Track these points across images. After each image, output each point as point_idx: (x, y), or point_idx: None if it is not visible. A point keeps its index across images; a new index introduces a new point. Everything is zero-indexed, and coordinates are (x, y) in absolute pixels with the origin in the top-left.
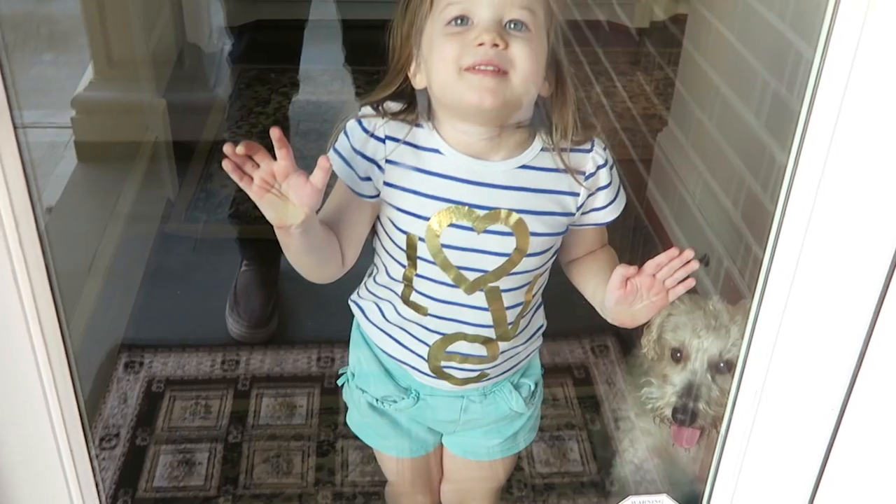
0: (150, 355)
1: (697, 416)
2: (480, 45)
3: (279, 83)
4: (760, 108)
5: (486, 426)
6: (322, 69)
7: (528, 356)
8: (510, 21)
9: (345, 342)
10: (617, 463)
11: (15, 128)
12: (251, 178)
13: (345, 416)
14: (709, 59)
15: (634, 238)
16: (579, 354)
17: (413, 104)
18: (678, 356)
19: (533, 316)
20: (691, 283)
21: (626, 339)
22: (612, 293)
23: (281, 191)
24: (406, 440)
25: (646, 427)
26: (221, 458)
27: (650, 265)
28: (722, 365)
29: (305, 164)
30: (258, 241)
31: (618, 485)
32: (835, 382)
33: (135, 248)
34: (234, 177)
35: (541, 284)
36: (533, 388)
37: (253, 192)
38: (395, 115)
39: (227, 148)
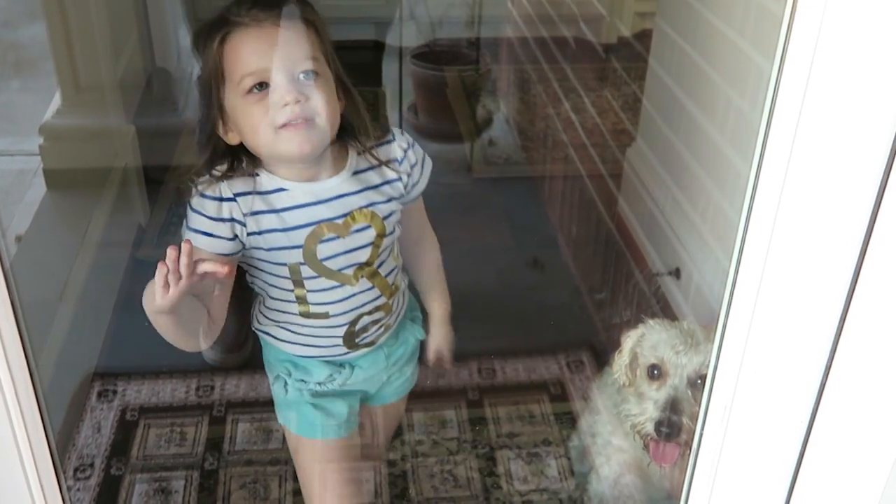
0: (124, 383)
1: (681, 430)
2: (286, 105)
3: None
4: (724, 123)
5: (400, 365)
6: None
7: (405, 293)
8: (301, 73)
9: None
10: (593, 479)
11: None
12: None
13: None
14: (673, 76)
15: (606, 252)
16: (555, 370)
17: (236, 160)
18: (655, 373)
19: (400, 268)
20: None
21: (602, 354)
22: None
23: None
24: (345, 418)
25: (619, 444)
26: (198, 486)
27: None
28: (699, 382)
29: None
30: None
31: (595, 500)
32: (803, 393)
33: (106, 275)
34: (161, 276)
35: (398, 247)
36: (421, 316)
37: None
38: (228, 175)
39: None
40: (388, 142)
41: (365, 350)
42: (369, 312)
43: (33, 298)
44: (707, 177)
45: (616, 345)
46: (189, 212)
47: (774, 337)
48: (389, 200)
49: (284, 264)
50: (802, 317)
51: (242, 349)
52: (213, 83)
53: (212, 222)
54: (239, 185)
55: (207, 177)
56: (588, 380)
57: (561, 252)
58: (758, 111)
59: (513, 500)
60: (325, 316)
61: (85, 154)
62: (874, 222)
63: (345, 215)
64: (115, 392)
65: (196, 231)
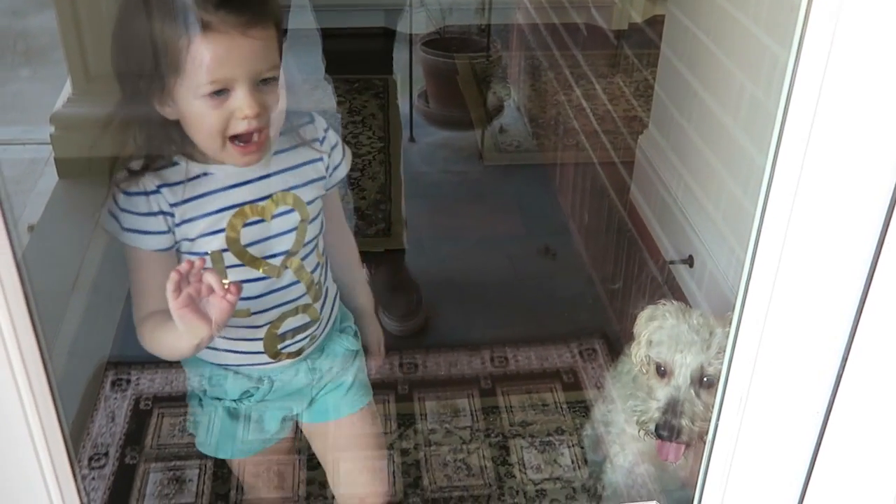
0: (137, 372)
1: (681, 433)
2: (245, 118)
3: None
4: (738, 110)
5: (334, 380)
6: (304, 79)
7: (335, 301)
8: (262, 80)
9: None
10: (608, 468)
11: None
12: (183, 293)
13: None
14: (686, 63)
15: (619, 240)
16: (567, 359)
17: (164, 141)
18: (662, 371)
19: (326, 271)
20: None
21: (614, 342)
22: None
23: (204, 309)
24: (265, 433)
25: (634, 433)
26: (212, 475)
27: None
28: (706, 380)
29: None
30: None
31: (610, 489)
32: (819, 385)
33: (119, 263)
34: (172, 295)
35: (322, 245)
36: (354, 328)
37: (177, 305)
38: (149, 169)
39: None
40: (308, 122)
41: (287, 361)
42: (293, 313)
43: (46, 288)
44: (720, 164)
45: (628, 333)
46: (118, 213)
47: (790, 329)
48: (312, 182)
49: (207, 253)
50: (819, 307)
51: None
52: (167, 64)
53: (144, 218)
54: (160, 177)
55: (129, 172)
56: (601, 368)
57: (573, 240)
58: (772, 98)
59: (526, 489)
60: (246, 313)
61: (95, 142)
62: (892, 211)
63: (267, 197)
64: (128, 381)
65: (130, 230)
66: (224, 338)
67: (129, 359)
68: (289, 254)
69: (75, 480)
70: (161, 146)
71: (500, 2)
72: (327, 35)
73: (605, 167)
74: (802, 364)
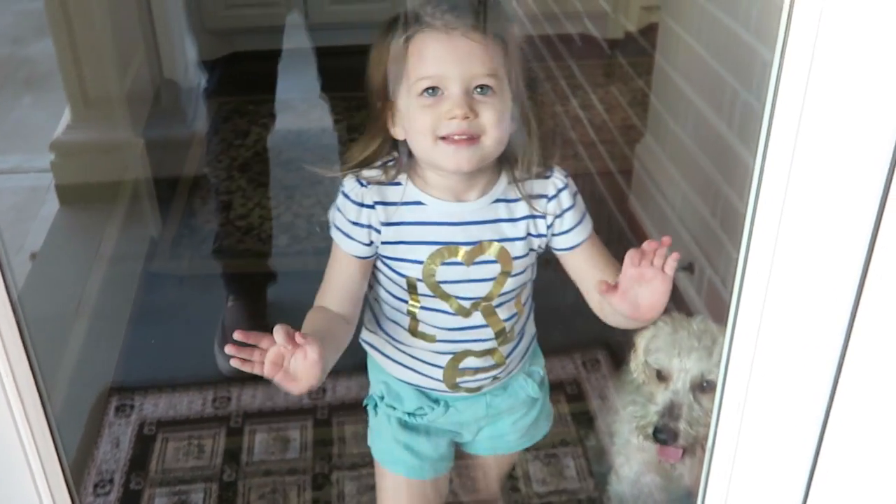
0: (141, 397)
1: (679, 436)
2: (453, 118)
3: (258, 115)
4: (732, 117)
5: (508, 419)
6: (300, 98)
7: (529, 347)
8: (477, 87)
9: (334, 374)
10: (613, 479)
11: None
12: (260, 364)
13: (338, 447)
14: (680, 71)
15: (619, 249)
16: (571, 370)
17: (391, 160)
18: (662, 377)
19: (526, 319)
20: (677, 255)
21: (617, 352)
22: (613, 302)
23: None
24: (431, 459)
25: (639, 443)
26: (217, 498)
27: (626, 260)
28: (705, 385)
29: (287, 193)
30: (244, 275)
31: (615, 501)
32: (817, 387)
33: (120, 288)
34: (245, 369)
35: (528, 294)
36: (542, 373)
37: (266, 374)
38: (374, 181)
39: (228, 349)
40: (545, 176)
41: (463, 393)
42: (478, 354)
43: (49, 314)
44: (716, 171)
45: (631, 343)
46: (334, 210)
47: (786, 331)
48: (526, 237)
49: (405, 276)
50: (813, 309)
51: None
52: (392, 77)
53: (351, 225)
54: (380, 194)
55: (356, 180)
56: (604, 378)
57: None
58: (764, 103)
59: (531, 503)
60: (432, 339)
61: (96, 168)
62: (882, 212)
63: (474, 243)
64: (132, 406)
65: (338, 229)
66: (409, 356)
67: (132, 384)
68: (482, 299)
69: None
70: (388, 165)
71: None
72: (322, 53)
73: (604, 177)
74: (799, 367)
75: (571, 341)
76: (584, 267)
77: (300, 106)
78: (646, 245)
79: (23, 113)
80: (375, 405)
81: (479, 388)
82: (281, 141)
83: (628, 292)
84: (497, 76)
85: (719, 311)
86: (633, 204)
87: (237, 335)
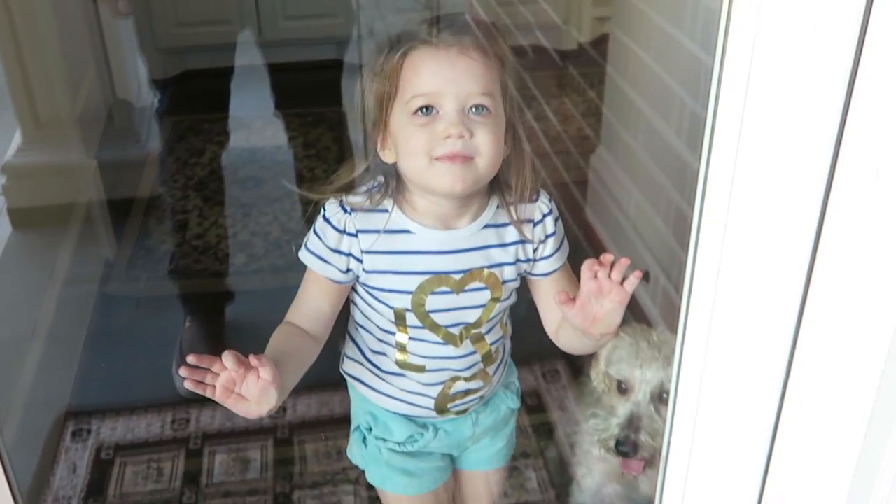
0: (98, 421)
1: (640, 448)
2: (448, 136)
3: (212, 133)
4: (680, 126)
5: (490, 434)
6: (254, 115)
7: (507, 360)
8: (473, 106)
9: (294, 392)
10: (575, 490)
11: None
12: (213, 387)
13: (299, 466)
14: (630, 81)
15: (575, 262)
16: (530, 381)
17: (376, 185)
18: (623, 388)
19: (506, 337)
20: (639, 274)
21: (576, 362)
22: (569, 315)
23: (241, 392)
24: (428, 474)
25: (599, 454)
26: None
27: (584, 272)
28: (665, 396)
29: (243, 211)
30: (201, 295)
31: None
32: (767, 391)
33: (75, 311)
34: (198, 391)
35: (507, 316)
36: (517, 384)
37: (218, 398)
38: (358, 207)
39: (182, 371)
40: (532, 200)
41: (453, 416)
42: (467, 378)
43: (2, 339)
44: (667, 179)
45: (591, 354)
46: (311, 233)
47: (734, 337)
48: (515, 262)
49: (392, 307)
50: (760, 314)
51: None
52: (384, 96)
53: (329, 251)
54: (365, 221)
55: (340, 206)
56: (564, 389)
57: None
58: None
59: None
60: (421, 370)
61: (48, 191)
62: (824, 213)
63: (465, 271)
64: (89, 431)
65: (312, 253)
66: (397, 388)
67: (89, 408)
68: (471, 326)
69: None
70: (376, 189)
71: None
72: (276, 70)
73: (560, 188)
74: (749, 372)
75: (531, 352)
76: (551, 294)
77: (255, 123)
78: (602, 257)
79: None
80: (364, 438)
81: (466, 410)
82: (236, 159)
83: (586, 306)
84: (493, 96)
85: (674, 319)
86: (588, 215)
87: (190, 358)
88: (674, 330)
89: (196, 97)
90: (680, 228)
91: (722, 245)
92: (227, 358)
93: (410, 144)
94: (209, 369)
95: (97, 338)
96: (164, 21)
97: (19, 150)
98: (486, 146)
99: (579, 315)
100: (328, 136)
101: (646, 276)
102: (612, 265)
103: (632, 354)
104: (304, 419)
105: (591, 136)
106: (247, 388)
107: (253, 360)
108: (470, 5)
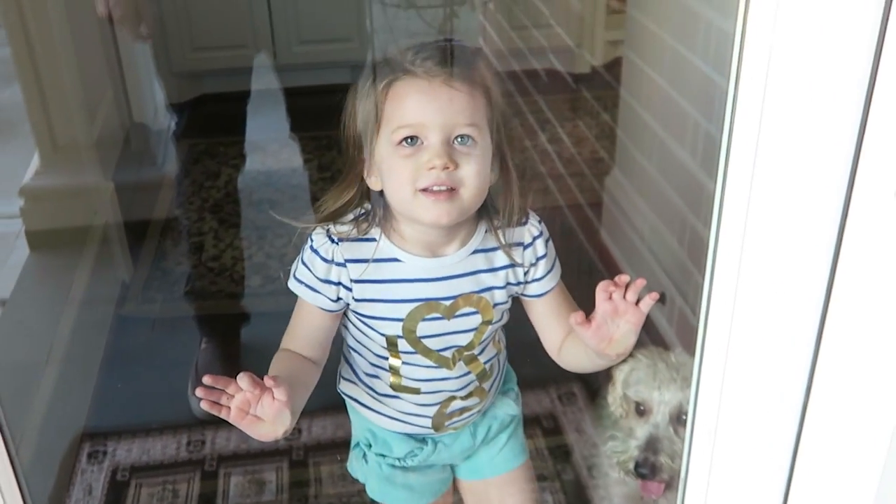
0: (114, 443)
1: (660, 470)
2: (433, 168)
3: (228, 156)
4: (695, 148)
5: (494, 441)
6: (270, 138)
7: (502, 372)
8: (457, 136)
9: (309, 414)
10: None
11: None
12: (228, 409)
13: (315, 488)
14: (643, 104)
15: (591, 283)
16: (546, 404)
17: (363, 213)
18: (641, 410)
19: (500, 353)
20: (655, 295)
21: (593, 384)
22: (586, 338)
23: (256, 413)
24: (429, 486)
25: (617, 476)
26: None
27: (599, 293)
28: (684, 417)
29: (259, 233)
30: (216, 317)
31: None
32: (787, 410)
33: (92, 333)
34: (213, 412)
35: (500, 334)
36: (516, 389)
37: (233, 420)
38: (345, 237)
39: (198, 392)
40: (521, 224)
41: (451, 431)
42: (463, 397)
43: (20, 361)
44: (681, 201)
45: (608, 376)
46: (299, 263)
47: (753, 356)
48: (506, 286)
49: (384, 335)
50: (778, 333)
51: None
52: (369, 124)
53: (318, 281)
54: (353, 250)
55: (327, 235)
56: (581, 412)
57: None
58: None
59: None
60: (416, 392)
61: (65, 213)
62: (842, 236)
63: (454, 297)
64: (104, 452)
65: (301, 283)
66: (393, 409)
67: (104, 429)
68: (463, 348)
69: None
70: (363, 217)
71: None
72: (291, 94)
73: (574, 210)
74: (768, 391)
75: (546, 375)
76: (547, 313)
77: (270, 146)
78: (618, 278)
79: None
80: (364, 454)
81: (465, 424)
82: (251, 181)
83: (602, 327)
84: (478, 126)
85: (691, 340)
86: (604, 236)
87: (206, 379)
88: (691, 352)
89: (212, 121)
90: (695, 250)
91: (739, 266)
92: (243, 379)
93: (395, 174)
94: (224, 390)
95: (113, 359)
96: (179, 46)
97: (37, 174)
98: (470, 177)
99: (595, 336)
100: (343, 158)
101: (662, 299)
102: (628, 286)
103: (650, 376)
104: (320, 441)
105: (606, 159)
106: (262, 410)
107: (268, 381)
108: (482, 30)
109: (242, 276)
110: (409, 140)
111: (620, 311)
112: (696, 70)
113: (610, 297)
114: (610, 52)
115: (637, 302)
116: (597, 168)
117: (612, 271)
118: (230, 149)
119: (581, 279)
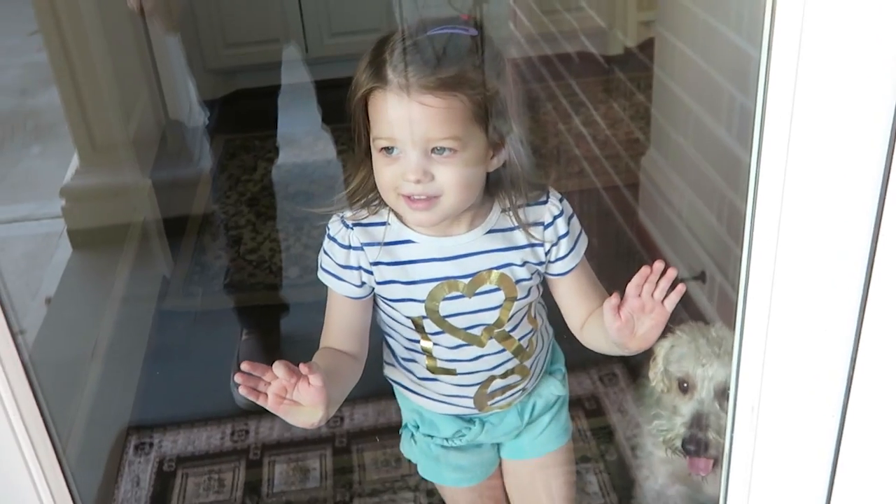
0: (160, 434)
1: (709, 446)
2: (408, 181)
3: (263, 150)
4: (730, 122)
5: (540, 420)
6: (303, 131)
7: (549, 349)
8: (435, 148)
9: (351, 401)
10: (638, 492)
11: None
12: (266, 395)
13: (358, 475)
14: (678, 81)
15: (630, 262)
16: (588, 386)
17: (374, 199)
18: (685, 387)
19: (541, 329)
20: (682, 288)
21: (634, 366)
22: (612, 329)
23: (293, 398)
24: (479, 466)
25: (662, 455)
26: None
27: (630, 289)
28: (728, 392)
29: (295, 225)
30: (256, 308)
31: None
32: (831, 384)
33: (135, 328)
34: (251, 398)
35: (537, 308)
36: (564, 370)
37: (270, 406)
38: (358, 221)
39: (236, 377)
40: (540, 203)
41: (497, 410)
42: (502, 375)
43: (65, 357)
44: (720, 178)
45: (648, 354)
46: (322, 253)
47: (794, 331)
48: (525, 264)
49: (408, 316)
50: (820, 306)
51: None
52: (359, 128)
53: (340, 268)
54: (367, 235)
55: (341, 222)
56: (622, 392)
57: None
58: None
59: None
60: (453, 373)
61: (106, 212)
62: (883, 204)
63: (472, 275)
64: (151, 444)
65: (326, 272)
66: (434, 391)
67: (150, 422)
68: (492, 326)
69: None
70: (371, 201)
71: (491, 37)
72: (322, 86)
73: (611, 191)
74: (811, 365)
75: (587, 357)
76: (570, 292)
77: (304, 139)
78: (644, 269)
79: (32, 162)
80: (412, 435)
81: (510, 403)
82: (286, 174)
83: (629, 321)
84: (457, 136)
85: (731, 316)
86: (641, 216)
87: (244, 366)
88: (731, 327)
89: (245, 115)
90: (734, 225)
91: (777, 238)
92: (279, 367)
93: (380, 176)
94: (261, 378)
95: (156, 353)
96: (212, 42)
97: (77, 174)
98: (450, 185)
99: (623, 330)
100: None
101: (702, 276)
102: (662, 273)
103: (692, 352)
104: (362, 428)
105: (641, 139)
106: (298, 395)
107: (303, 367)
108: (512, 15)
109: (280, 268)
110: (388, 150)
111: (647, 308)
112: (730, 43)
113: (639, 295)
114: (643, 32)
115: (663, 300)
116: (632, 149)
117: (650, 252)
118: (265, 142)
119: (619, 261)
